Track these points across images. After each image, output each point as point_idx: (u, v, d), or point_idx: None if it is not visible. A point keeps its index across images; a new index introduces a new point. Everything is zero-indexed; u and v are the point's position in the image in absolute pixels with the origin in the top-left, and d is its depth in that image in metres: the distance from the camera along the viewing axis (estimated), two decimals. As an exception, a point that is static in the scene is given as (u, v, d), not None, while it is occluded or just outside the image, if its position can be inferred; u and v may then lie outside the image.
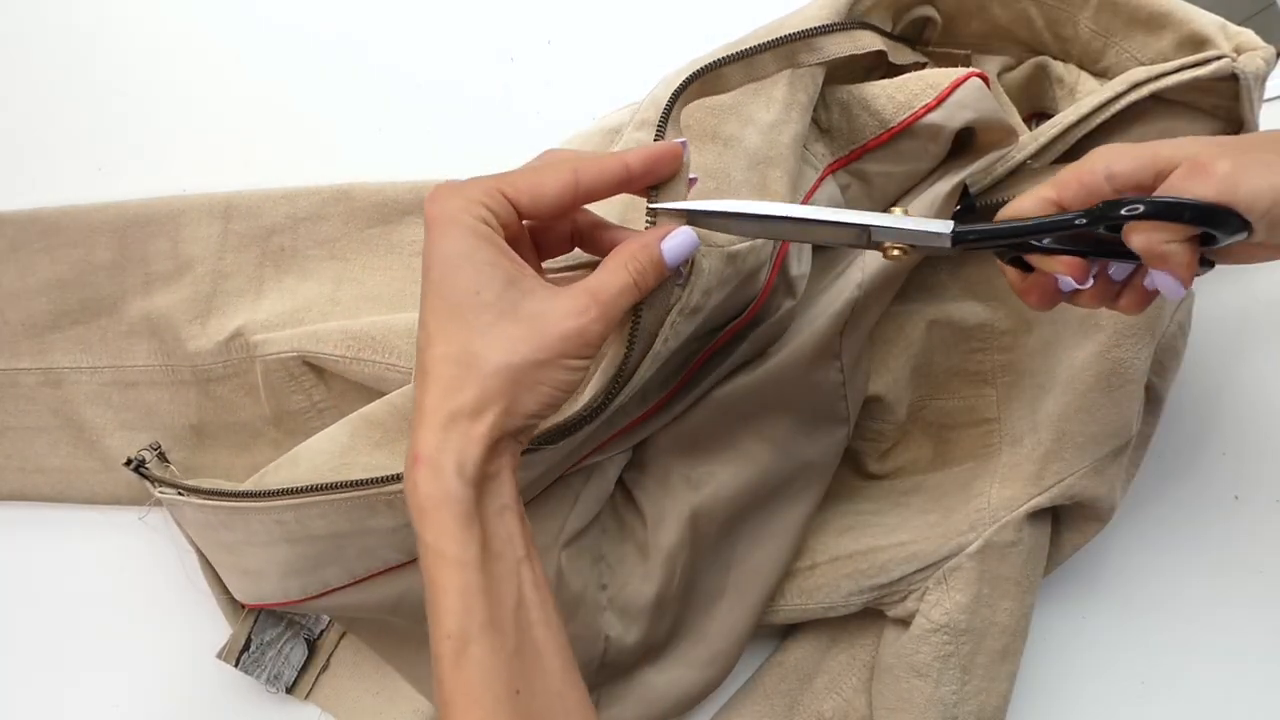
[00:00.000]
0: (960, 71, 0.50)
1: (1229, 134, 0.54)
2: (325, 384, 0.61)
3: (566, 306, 0.40)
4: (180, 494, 0.55)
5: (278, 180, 0.64)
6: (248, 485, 0.54)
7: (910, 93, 0.51)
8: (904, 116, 0.51)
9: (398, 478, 0.49)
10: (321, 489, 0.51)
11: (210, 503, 0.54)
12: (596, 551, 0.56)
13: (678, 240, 0.42)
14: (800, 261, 0.51)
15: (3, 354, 0.64)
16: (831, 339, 0.54)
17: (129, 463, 0.58)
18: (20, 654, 0.64)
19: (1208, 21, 0.52)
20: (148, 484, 0.58)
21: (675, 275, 0.43)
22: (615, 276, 0.41)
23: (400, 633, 0.60)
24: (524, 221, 0.42)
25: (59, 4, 0.67)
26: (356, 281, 0.62)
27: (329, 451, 0.54)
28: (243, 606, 0.62)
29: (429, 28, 0.67)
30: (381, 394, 0.58)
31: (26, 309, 0.63)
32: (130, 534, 0.63)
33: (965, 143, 0.55)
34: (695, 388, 0.53)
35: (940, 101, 0.49)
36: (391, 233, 0.63)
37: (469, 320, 0.39)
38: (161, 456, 0.60)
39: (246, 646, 0.61)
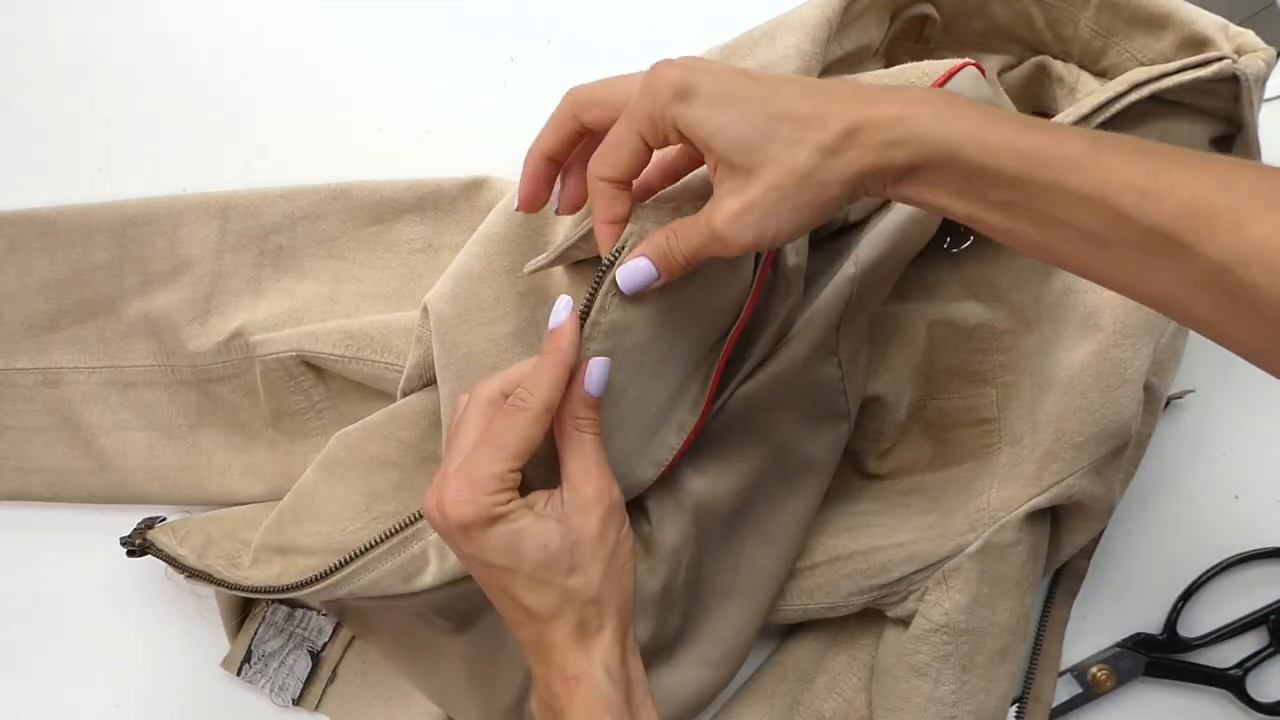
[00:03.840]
0: (956, 60, 0.50)
1: (1229, 135, 0.54)
2: (324, 384, 0.61)
3: (588, 507, 0.45)
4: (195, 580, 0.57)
5: (278, 180, 0.63)
6: (294, 575, 0.55)
7: (906, 80, 0.51)
8: None
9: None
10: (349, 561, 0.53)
11: (271, 596, 0.56)
12: None
13: (595, 375, 0.45)
14: (798, 252, 0.51)
15: (1, 354, 0.64)
16: (828, 334, 0.54)
17: (130, 552, 0.58)
18: (20, 655, 0.64)
19: (1209, 22, 0.52)
20: (166, 565, 0.58)
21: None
22: (586, 458, 0.45)
23: (415, 643, 0.60)
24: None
25: (59, 4, 0.67)
26: (355, 280, 0.62)
27: (353, 505, 0.54)
28: (241, 621, 0.62)
29: (429, 28, 0.67)
30: (381, 393, 0.58)
31: (25, 309, 0.63)
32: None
33: None
34: (719, 397, 0.53)
35: (938, 87, 0.49)
36: (389, 231, 0.63)
37: (554, 575, 0.44)
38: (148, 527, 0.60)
39: (248, 658, 0.61)
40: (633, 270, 0.44)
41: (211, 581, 0.56)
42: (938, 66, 0.50)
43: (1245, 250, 0.33)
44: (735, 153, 0.40)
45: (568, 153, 0.46)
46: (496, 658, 0.59)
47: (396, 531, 0.53)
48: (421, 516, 0.52)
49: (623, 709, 0.44)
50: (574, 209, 0.49)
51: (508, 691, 0.58)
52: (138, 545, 0.58)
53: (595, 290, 0.44)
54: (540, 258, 0.50)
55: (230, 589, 0.56)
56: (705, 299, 0.48)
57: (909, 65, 0.52)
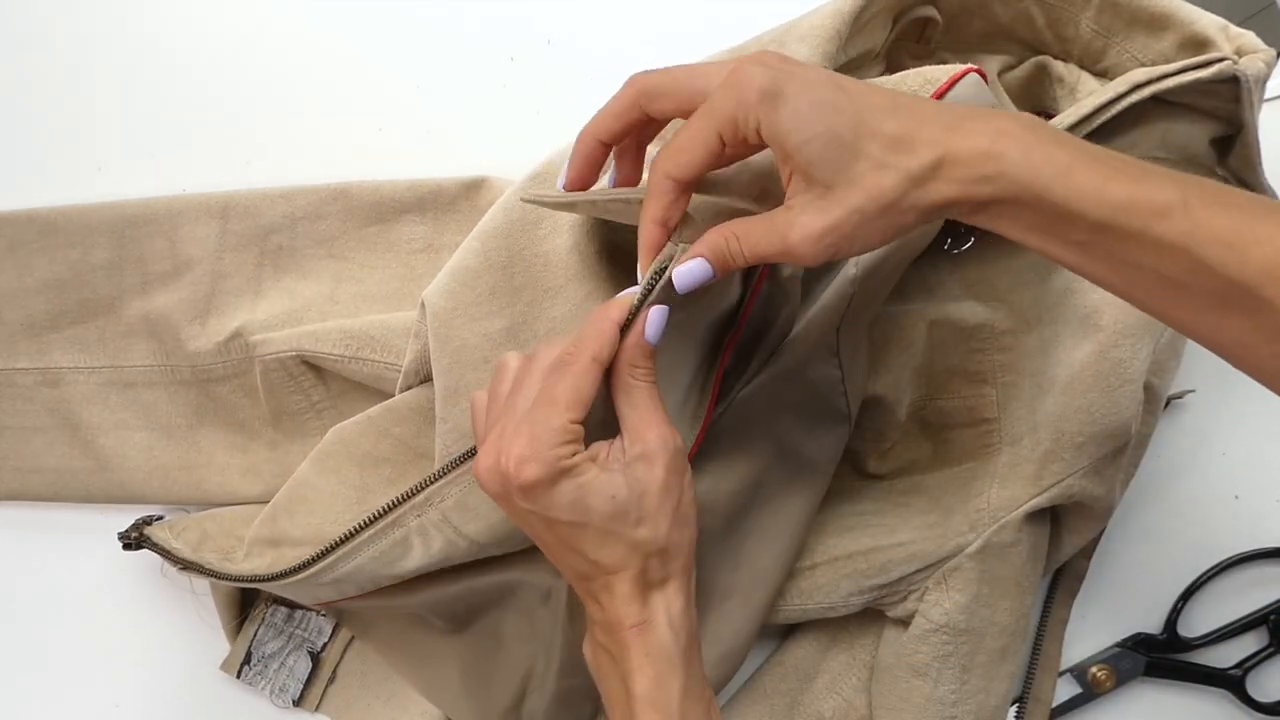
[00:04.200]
0: (958, 67, 0.50)
1: (1229, 136, 0.54)
2: (324, 384, 0.61)
3: (653, 455, 0.44)
4: (189, 571, 0.57)
5: (278, 180, 0.63)
6: (283, 564, 0.55)
7: (909, 88, 0.51)
8: None
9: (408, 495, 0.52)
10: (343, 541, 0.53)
11: (259, 585, 0.55)
12: None
13: (654, 322, 0.44)
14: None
15: (1, 354, 0.64)
16: (828, 335, 0.54)
17: (126, 546, 0.58)
18: (20, 655, 0.64)
19: (1209, 23, 0.52)
20: (163, 559, 0.58)
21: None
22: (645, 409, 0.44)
23: (410, 642, 0.60)
24: None
25: (59, 4, 0.66)
26: (355, 280, 0.62)
27: (344, 497, 0.54)
28: (241, 623, 0.62)
29: (429, 28, 0.67)
30: (381, 393, 0.58)
31: (25, 309, 0.63)
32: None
33: None
34: (723, 405, 0.53)
35: (939, 96, 0.49)
36: (389, 231, 0.63)
37: (623, 526, 0.43)
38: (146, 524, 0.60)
39: (247, 660, 0.61)
40: (690, 271, 0.42)
41: (203, 572, 0.56)
42: (939, 73, 0.50)
43: None
44: (819, 167, 0.39)
45: (623, 139, 0.45)
46: (494, 659, 0.59)
47: (379, 517, 0.52)
48: (404, 500, 0.52)
49: (679, 658, 0.44)
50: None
51: (505, 693, 0.58)
52: (133, 539, 0.58)
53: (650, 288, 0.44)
54: (546, 193, 0.48)
55: (221, 579, 0.56)
56: (704, 306, 0.48)
57: (910, 72, 0.51)
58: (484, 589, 0.57)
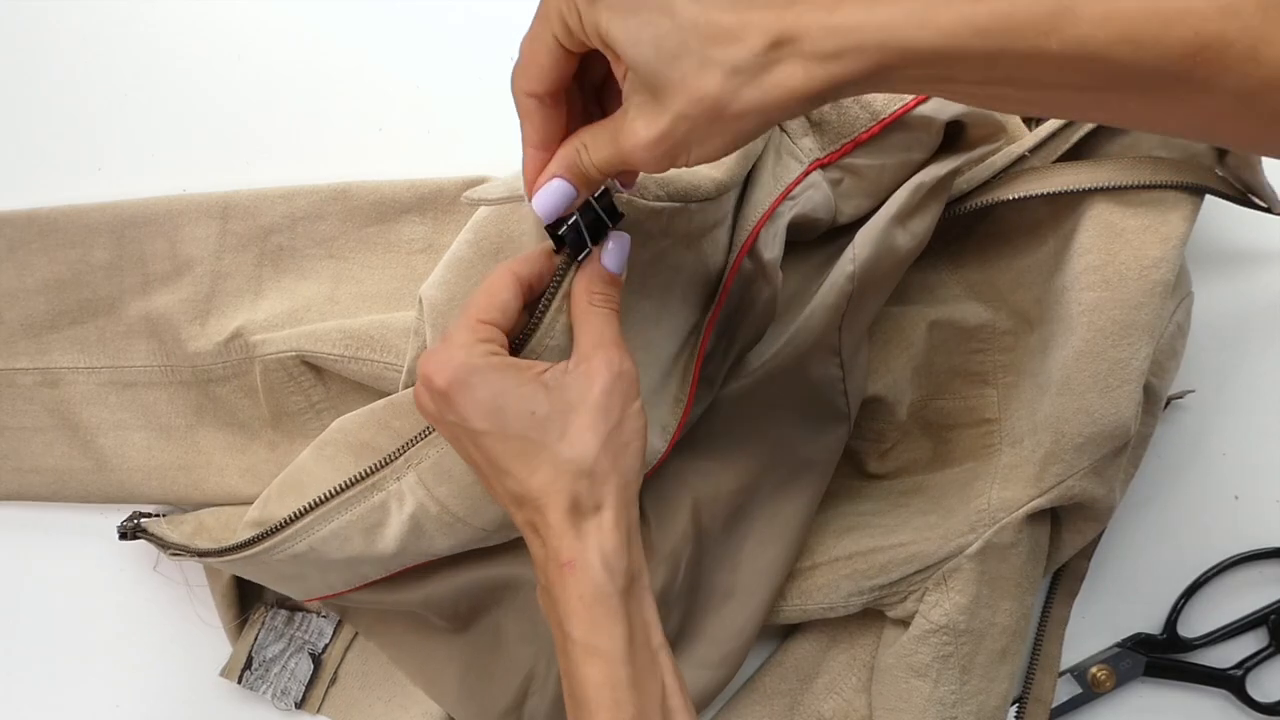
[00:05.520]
0: None
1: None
2: (324, 384, 0.61)
3: (592, 373, 0.42)
4: (188, 556, 0.56)
5: (278, 180, 0.63)
6: (256, 530, 0.54)
7: None
8: (895, 108, 0.51)
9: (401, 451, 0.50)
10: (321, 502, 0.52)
11: (238, 555, 0.54)
12: None
13: (612, 250, 0.43)
14: (772, 246, 0.51)
15: (1, 354, 0.64)
16: (829, 333, 0.53)
17: (122, 535, 0.58)
18: (19, 655, 0.64)
19: None
20: (155, 547, 0.58)
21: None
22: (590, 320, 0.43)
23: (413, 640, 0.60)
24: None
25: (59, 4, 0.66)
26: (355, 280, 0.62)
27: (332, 481, 0.53)
28: (242, 625, 0.62)
29: (429, 28, 0.67)
30: (380, 393, 0.58)
31: (25, 309, 0.63)
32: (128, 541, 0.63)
33: (955, 136, 0.54)
34: (709, 392, 0.53)
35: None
36: (389, 231, 0.63)
37: (544, 439, 0.41)
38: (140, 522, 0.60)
39: (248, 664, 0.61)
40: (550, 194, 0.40)
41: (191, 554, 0.56)
42: None
43: (1270, 76, 0.31)
44: (642, 68, 0.35)
45: (559, 85, 0.40)
46: (495, 659, 0.59)
47: (355, 482, 0.51)
48: (381, 467, 0.51)
49: (618, 602, 0.41)
50: None
51: (506, 693, 0.58)
52: (129, 529, 0.58)
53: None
54: (480, 188, 0.48)
55: (206, 557, 0.55)
56: (679, 266, 0.48)
57: None
58: (484, 586, 0.57)
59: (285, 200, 0.62)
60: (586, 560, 0.40)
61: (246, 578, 0.59)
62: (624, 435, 0.42)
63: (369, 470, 0.51)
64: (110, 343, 0.63)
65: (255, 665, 0.61)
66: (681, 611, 0.57)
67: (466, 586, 0.57)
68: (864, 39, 0.33)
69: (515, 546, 0.55)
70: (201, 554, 0.55)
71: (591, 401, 0.41)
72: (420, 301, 0.53)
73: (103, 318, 0.63)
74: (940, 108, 0.51)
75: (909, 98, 0.51)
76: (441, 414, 0.42)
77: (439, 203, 0.62)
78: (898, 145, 0.53)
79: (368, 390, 0.59)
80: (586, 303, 0.43)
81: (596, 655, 0.40)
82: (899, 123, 0.52)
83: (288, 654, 0.62)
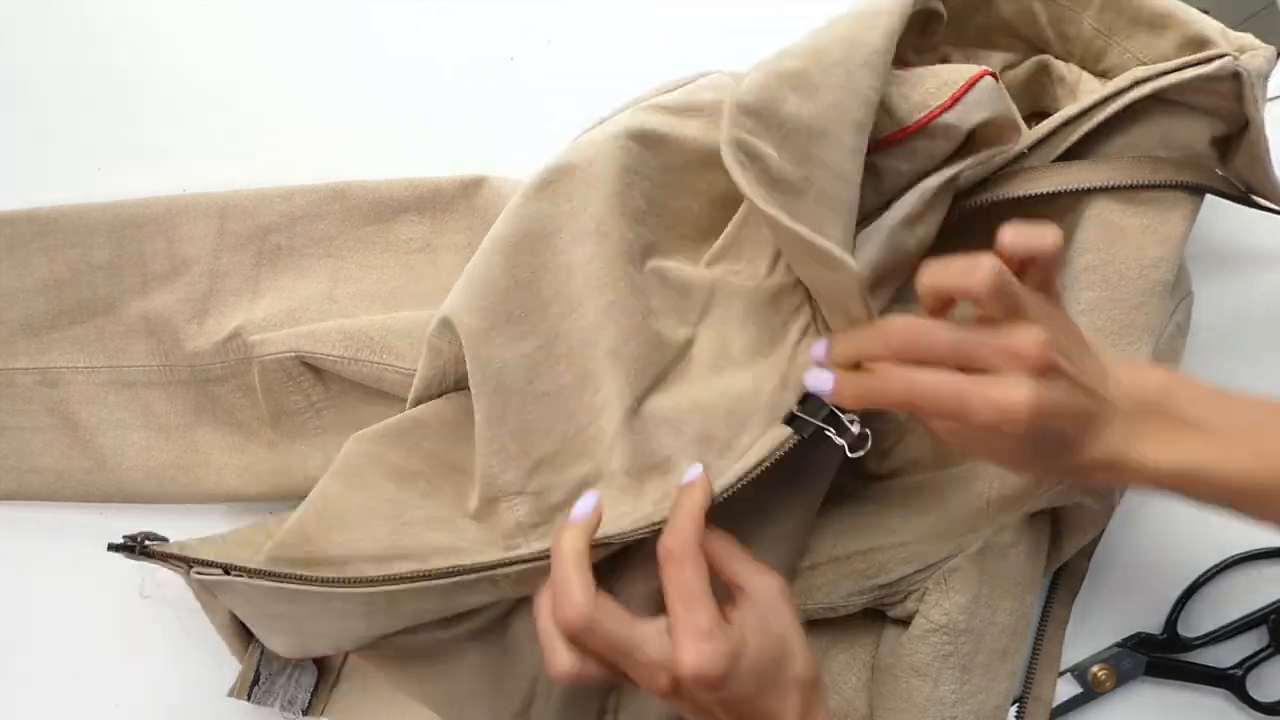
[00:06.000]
0: (973, 69, 0.50)
1: (1231, 134, 0.54)
2: (323, 384, 0.61)
3: (771, 594, 0.48)
4: (232, 574, 0.51)
5: (278, 181, 0.63)
6: (327, 570, 0.51)
7: (925, 91, 0.50)
8: (919, 116, 0.51)
9: (510, 562, 0.50)
10: (433, 575, 0.49)
11: (286, 586, 0.50)
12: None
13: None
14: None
15: (0, 354, 0.64)
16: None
17: (129, 549, 0.53)
18: (18, 655, 0.64)
19: (1209, 24, 0.52)
20: (163, 565, 0.53)
21: None
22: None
23: (418, 647, 0.60)
24: None
25: (59, 4, 0.67)
26: (353, 280, 0.62)
27: (381, 513, 0.52)
28: (247, 645, 0.61)
29: (429, 27, 0.67)
30: (380, 394, 0.58)
31: (24, 309, 0.63)
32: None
33: (965, 140, 0.54)
34: None
35: (955, 101, 0.49)
36: (388, 231, 0.63)
37: (788, 671, 0.47)
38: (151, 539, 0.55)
39: (256, 680, 0.60)
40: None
41: (227, 569, 0.51)
42: (954, 75, 0.50)
43: None
44: None
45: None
46: (503, 663, 0.58)
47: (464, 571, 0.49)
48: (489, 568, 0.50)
49: None
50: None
51: (516, 697, 0.57)
52: (131, 545, 0.53)
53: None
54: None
55: (251, 576, 0.50)
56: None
57: (924, 72, 0.51)
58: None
59: (283, 200, 0.62)
60: None
61: (240, 613, 0.56)
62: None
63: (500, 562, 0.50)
64: (109, 342, 0.63)
65: (263, 679, 0.60)
66: None
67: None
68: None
69: None
70: (251, 573, 0.50)
71: (788, 619, 0.47)
72: (446, 322, 0.52)
73: (101, 317, 0.63)
74: (963, 116, 0.50)
75: (934, 105, 0.50)
76: (703, 699, 0.45)
77: (437, 202, 0.62)
78: (919, 152, 0.52)
79: (367, 390, 0.59)
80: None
81: None
82: (922, 130, 0.51)
83: (293, 663, 0.61)
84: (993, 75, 0.51)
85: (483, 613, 0.57)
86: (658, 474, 0.51)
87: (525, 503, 0.52)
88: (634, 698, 0.57)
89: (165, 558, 0.52)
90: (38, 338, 0.63)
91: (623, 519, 0.49)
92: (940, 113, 0.50)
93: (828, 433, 0.49)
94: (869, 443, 0.49)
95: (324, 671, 0.62)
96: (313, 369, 0.60)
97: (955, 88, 0.49)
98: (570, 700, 0.56)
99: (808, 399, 0.50)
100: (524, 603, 0.57)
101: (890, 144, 0.52)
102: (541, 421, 0.52)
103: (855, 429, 0.49)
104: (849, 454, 0.49)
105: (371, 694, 0.62)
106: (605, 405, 0.51)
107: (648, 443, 0.51)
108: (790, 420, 0.50)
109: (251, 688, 0.60)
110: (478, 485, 0.52)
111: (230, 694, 0.60)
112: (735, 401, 0.51)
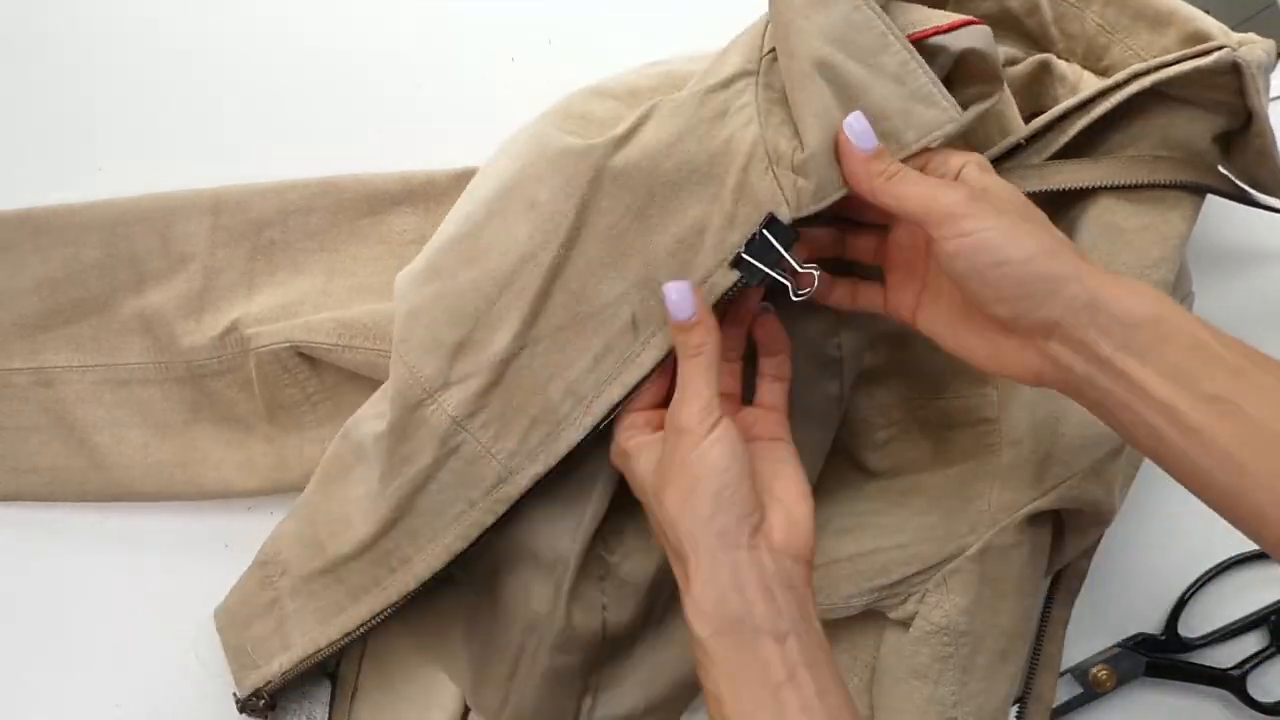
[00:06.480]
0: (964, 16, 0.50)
1: (1233, 128, 0.54)
2: (319, 375, 0.61)
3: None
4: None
5: (271, 175, 0.63)
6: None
7: (922, 15, 0.51)
8: (911, 31, 0.50)
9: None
10: None
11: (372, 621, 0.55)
12: (613, 524, 0.56)
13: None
14: None
15: (-4, 354, 0.64)
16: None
17: (252, 710, 0.57)
18: (18, 655, 0.63)
19: (1210, 22, 0.52)
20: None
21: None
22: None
23: (437, 626, 0.59)
24: None
25: (59, 4, 0.66)
26: (348, 273, 0.62)
27: (371, 493, 0.53)
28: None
29: (429, 27, 0.67)
30: (375, 383, 0.58)
31: (18, 309, 0.63)
32: (126, 539, 0.64)
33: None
34: None
35: (951, 29, 0.49)
36: (381, 223, 0.63)
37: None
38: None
39: (270, 706, 0.59)
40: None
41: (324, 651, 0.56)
42: (946, 17, 0.50)
43: None
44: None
45: None
46: (495, 623, 0.57)
47: None
48: None
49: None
50: None
51: (503, 662, 0.57)
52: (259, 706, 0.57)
53: None
54: None
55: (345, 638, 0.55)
56: None
57: (916, 6, 0.51)
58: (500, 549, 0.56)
59: (276, 194, 0.62)
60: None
61: None
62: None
63: None
64: (104, 341, 0.63)
65: (278, 706, 0.59)
66: (671, 592, 0.57)
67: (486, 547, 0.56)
68: None
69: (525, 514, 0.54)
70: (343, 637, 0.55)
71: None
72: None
73: (96, 316, 0.63)
74: (954, 39, 0.50)
75: (927, 27, 0.50)
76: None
77: (430, 194, 0.63)
78: None
79: (363, 380, 0.59)
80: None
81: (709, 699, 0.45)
82: (917, 45, 0.50)
83: (304, 681, 0.60)
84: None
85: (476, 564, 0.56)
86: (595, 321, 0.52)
87: (453, 395, 0.52)
88: (615, 677, 0.57)
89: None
90: (32, 338, 0.63)
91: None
92: (934, 33, 0.50)
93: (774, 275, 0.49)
94: (816, 282, 0.50)
95: (339, 684, 0.61)
96: (308, 360, 0.60)
97: (953, 20, 0.49)
98: (555, 678, 0.56)
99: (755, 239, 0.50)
100: (513, 559, 0.56)
101: None
102: (460, 304, 0.52)
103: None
104: (793, 296, 0.50)
105: (394, 694, 0.60)
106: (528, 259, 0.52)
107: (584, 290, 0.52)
108: (737, 263, 0.50)
109: (267, 713, 0.59)
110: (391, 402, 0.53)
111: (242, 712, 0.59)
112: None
